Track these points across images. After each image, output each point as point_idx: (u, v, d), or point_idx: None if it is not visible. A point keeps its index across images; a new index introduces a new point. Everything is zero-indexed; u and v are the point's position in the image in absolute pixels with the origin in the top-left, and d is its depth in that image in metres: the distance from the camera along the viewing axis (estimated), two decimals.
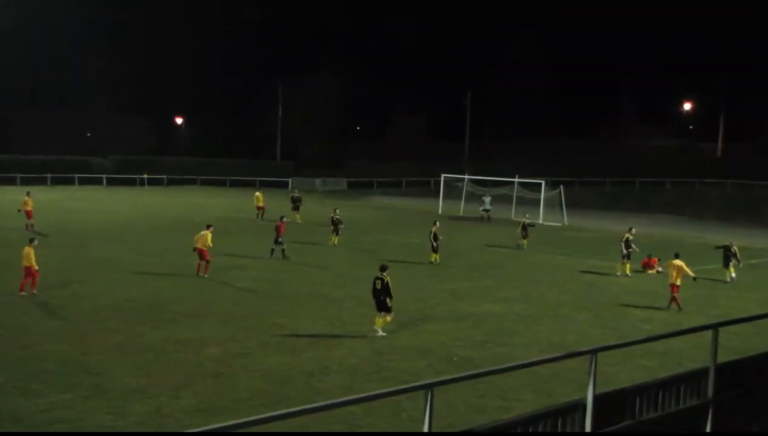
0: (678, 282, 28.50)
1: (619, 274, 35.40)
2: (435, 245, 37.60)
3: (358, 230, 49.75)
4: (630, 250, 35.56)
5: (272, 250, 36.92)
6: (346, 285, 31.14)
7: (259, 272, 33.39)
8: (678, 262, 28.85)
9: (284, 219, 38.51)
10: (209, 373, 18.77)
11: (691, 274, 28.96)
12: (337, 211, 44.22)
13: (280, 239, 36.85)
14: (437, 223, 38.99)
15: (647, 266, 36.95)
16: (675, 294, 28.49)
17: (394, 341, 22.53)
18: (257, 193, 57.93)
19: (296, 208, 55.00)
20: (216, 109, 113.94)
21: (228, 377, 18.49)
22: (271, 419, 6.48)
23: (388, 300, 23.22)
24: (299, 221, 52.35)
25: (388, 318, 23.27)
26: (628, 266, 35.65)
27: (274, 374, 18.92)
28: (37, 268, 27.04)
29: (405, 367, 19.82)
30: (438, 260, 37.21)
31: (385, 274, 23.49)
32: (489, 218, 59.73)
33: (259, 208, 55.53)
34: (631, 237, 35.84)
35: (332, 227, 42.97)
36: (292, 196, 57.98)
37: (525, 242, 43.74)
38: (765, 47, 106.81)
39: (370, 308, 26.85)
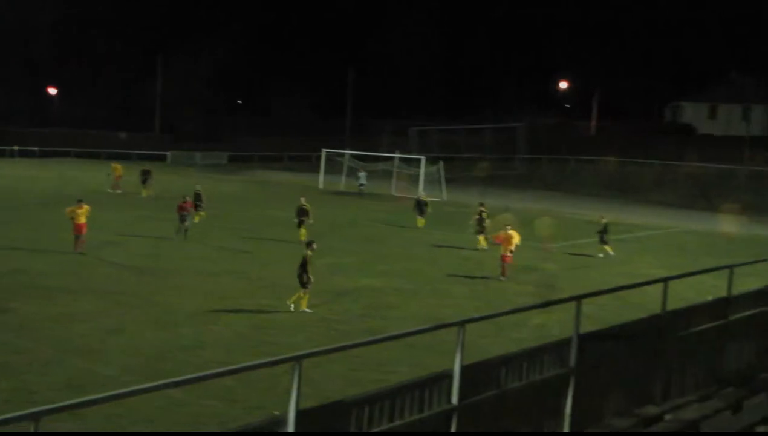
0: (509, 252, 29.69)
1: (482, 247, 36.11)
2: (301, 221, 36.22)
3: (237, 204, 49.40)
4: (485, 225, 36.55)
5: (180, 229, 35.15)
6: (224, 260, 30.94)
7: (136, 248, 32.83)
8: (510, 232, 29.98)
9: (187, 199, 37.00)
10: (81, 349, 18.44)
11: (516, 243, 30.04)
12: (198, 186, 42.23)
13: (186, 218, 35.51)
14: (303, 198, 37.56)
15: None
16: (505, 263, 29.65)
17: (273, 316, 22.56)
18: (114, 164, 56.80)
19: (144, 181, 53.68)
20: (92, 81, 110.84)
21: (100, 353, 18.21)
22: (141, 392, 6.46)
23: (304, 276, 23.21)
24: (144, 196, 51.56)
25: (302, 294, 23.29)
26: (481, 239, 36.51)
27: (148, 349, 18.73)
28: None
29: (283, 341, 19.89)
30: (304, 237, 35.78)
31: (307, 250, 23.49)
32: (362, 194, 60.13)
33: (117, 178, 54.61)
34: (483, 212, 36.86)
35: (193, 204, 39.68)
36: (142, 169, 56.09)
37: (422, 219, 43.27)
38: (634, 28, 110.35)
39: (248, 282, 26.85)
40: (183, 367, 17.25)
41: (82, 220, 31.20)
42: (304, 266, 23.28)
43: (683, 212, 58.32)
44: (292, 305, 23.17)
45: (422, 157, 62.35)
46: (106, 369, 17.06)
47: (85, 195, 35.71)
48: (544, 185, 74.62)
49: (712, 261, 27.53)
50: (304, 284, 23.26)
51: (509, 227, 30.47)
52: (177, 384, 6.83)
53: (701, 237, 45.17)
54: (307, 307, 23.25)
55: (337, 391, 15.41)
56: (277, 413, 8.06)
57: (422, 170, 60.87)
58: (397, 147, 66.44)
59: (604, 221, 36.65)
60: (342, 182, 64.76)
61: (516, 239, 30.06)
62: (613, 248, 36.18)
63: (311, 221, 36.18)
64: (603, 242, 36.19)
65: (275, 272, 28.76)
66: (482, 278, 29.99)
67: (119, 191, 53.25)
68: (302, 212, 36.31)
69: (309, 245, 23.87)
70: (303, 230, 35.74)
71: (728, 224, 39.11)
